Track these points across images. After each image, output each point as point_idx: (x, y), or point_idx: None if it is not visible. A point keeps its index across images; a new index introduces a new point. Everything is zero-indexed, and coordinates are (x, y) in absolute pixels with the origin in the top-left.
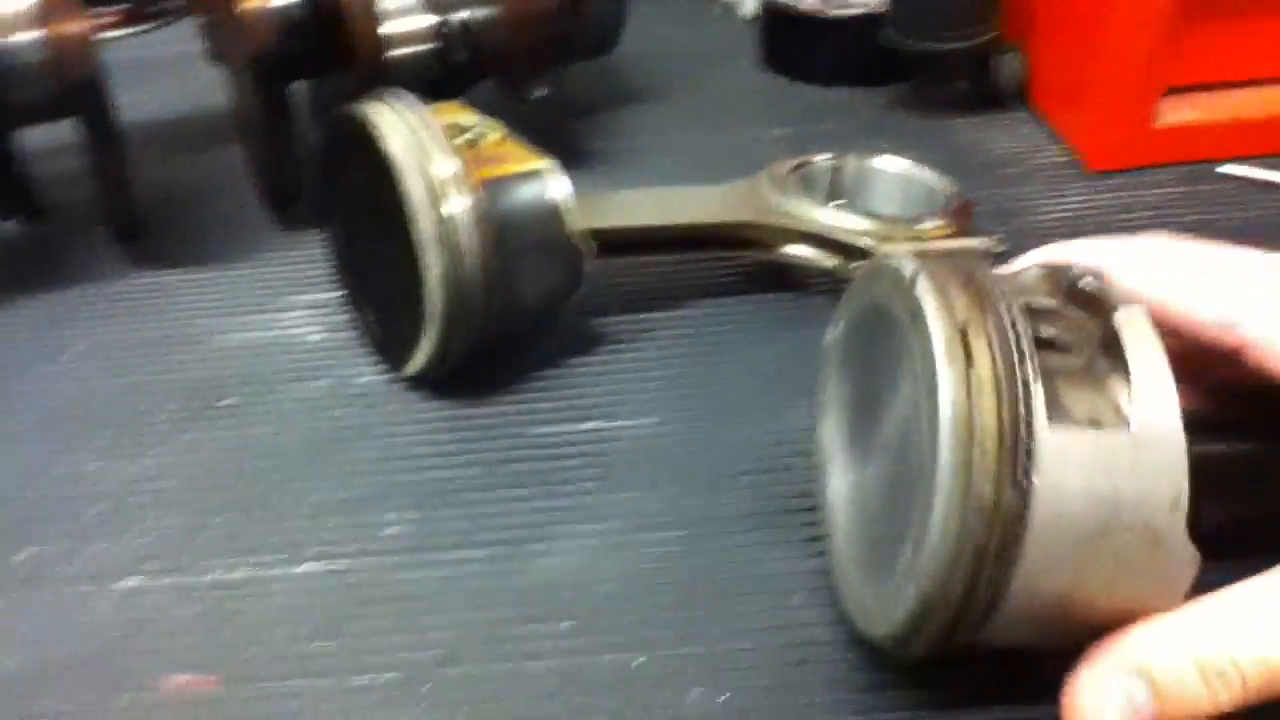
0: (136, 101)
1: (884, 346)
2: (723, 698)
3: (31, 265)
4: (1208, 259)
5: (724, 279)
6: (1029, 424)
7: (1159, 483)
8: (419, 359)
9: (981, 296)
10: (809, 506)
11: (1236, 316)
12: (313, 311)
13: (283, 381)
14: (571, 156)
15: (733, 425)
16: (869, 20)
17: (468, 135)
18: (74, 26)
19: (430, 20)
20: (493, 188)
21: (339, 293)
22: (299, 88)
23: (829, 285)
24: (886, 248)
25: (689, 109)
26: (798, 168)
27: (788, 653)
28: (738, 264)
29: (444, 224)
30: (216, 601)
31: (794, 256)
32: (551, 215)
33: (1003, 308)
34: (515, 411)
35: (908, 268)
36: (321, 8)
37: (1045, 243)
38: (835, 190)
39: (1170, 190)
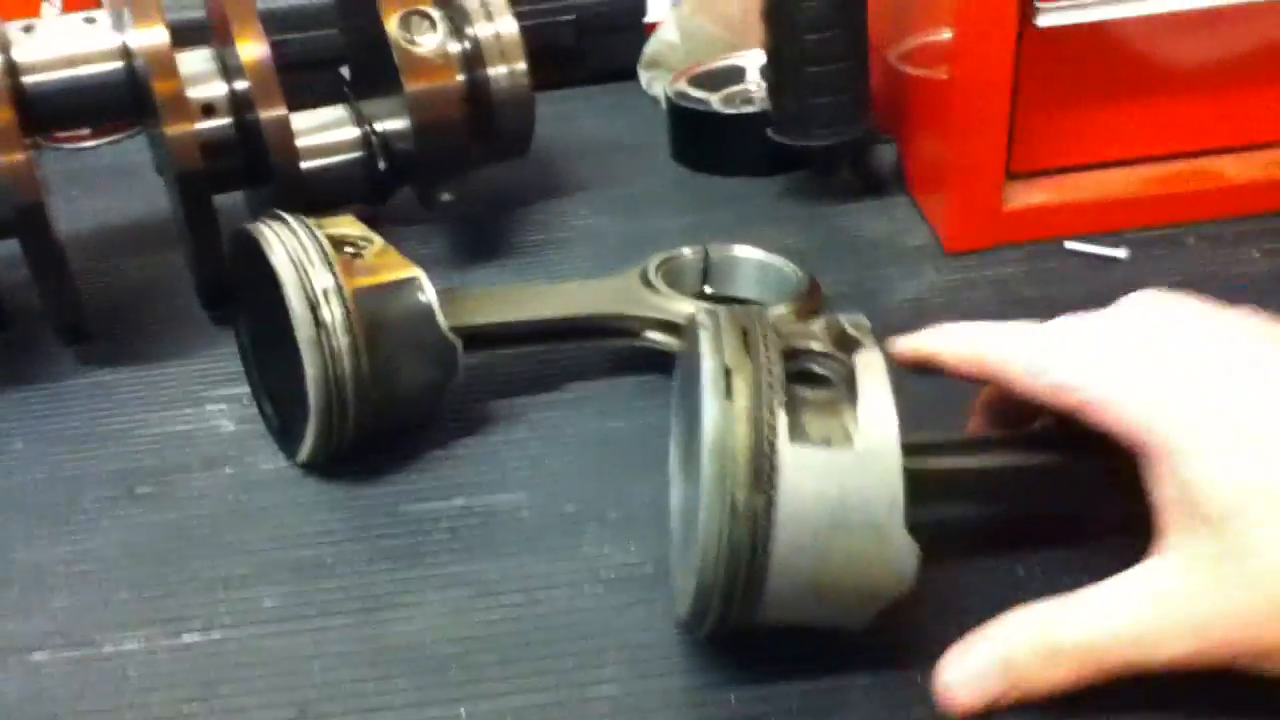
0: (98, 208)
1: (691, 386)
2: None
3: None
4: (1031, 327)
5: (595, 364)
6: (773, 444)
7: (878, 489)
8: (306, 448)
9: (749, 344)
10: (646, 574)
11: (1041, 365)
12: (228, 405)
13: (194, 469)
14: (488, 251)
15: (587, 499)
16: (763, 117)
17: (350, 248)
18: (18, 157)
19: (350, 134)
20: (367, 296)
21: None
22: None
23: None
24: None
25: (603, 201)
26: (666, 261)
27: (596, 705)
28: (608, 350)
29: (320, 329)
30: (108, 671)
31: (655, 342)
32: (422, 318)
33: (763, 354)
34: (393, 491)
35: (701, 323)
36: (244, 127)
37: (894, 318)
38: (705, 279)
39: (1017, 268)
